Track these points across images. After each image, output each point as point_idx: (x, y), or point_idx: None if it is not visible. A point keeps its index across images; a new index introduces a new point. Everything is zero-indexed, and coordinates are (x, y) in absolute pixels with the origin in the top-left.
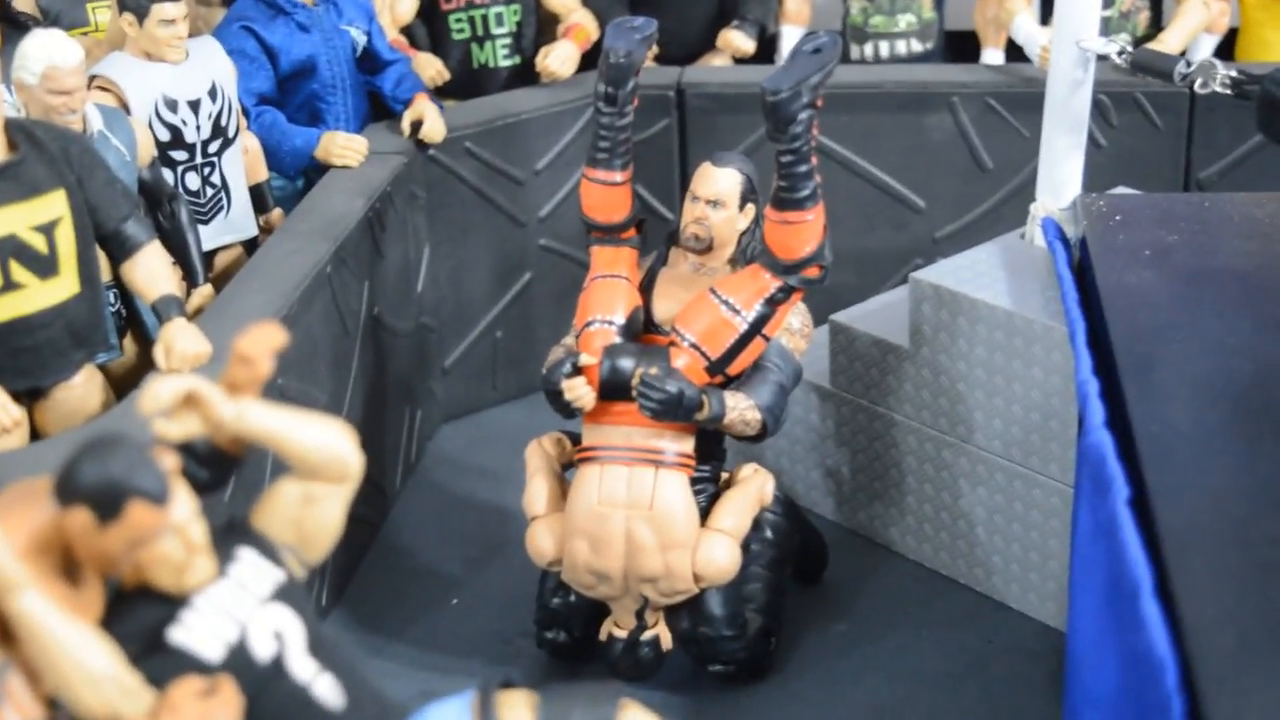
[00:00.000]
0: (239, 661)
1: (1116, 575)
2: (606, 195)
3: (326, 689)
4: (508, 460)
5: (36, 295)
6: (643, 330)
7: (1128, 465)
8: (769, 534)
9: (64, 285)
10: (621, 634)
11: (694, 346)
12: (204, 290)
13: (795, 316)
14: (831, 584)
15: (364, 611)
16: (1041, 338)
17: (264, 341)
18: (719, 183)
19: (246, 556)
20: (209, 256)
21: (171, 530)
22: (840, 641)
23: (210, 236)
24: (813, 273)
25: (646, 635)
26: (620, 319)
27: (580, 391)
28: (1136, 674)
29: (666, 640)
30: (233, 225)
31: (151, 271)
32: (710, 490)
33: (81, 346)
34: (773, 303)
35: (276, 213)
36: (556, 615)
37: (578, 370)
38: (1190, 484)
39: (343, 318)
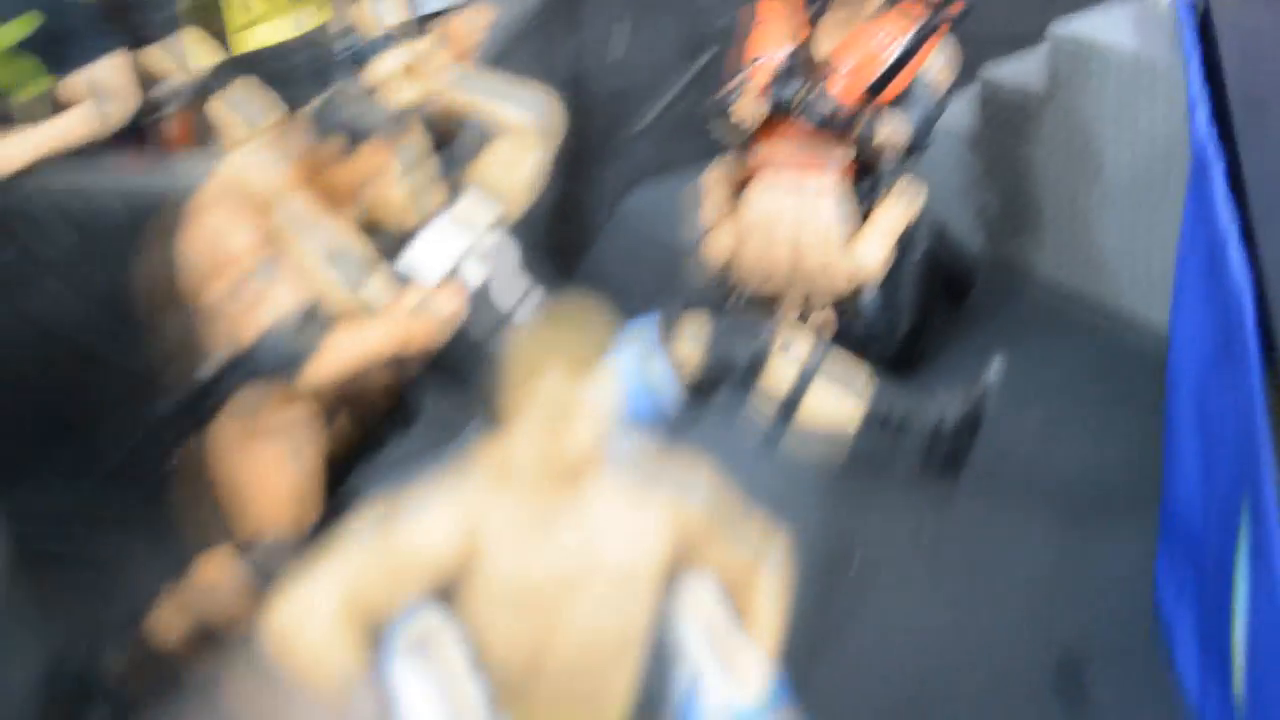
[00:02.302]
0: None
1: (1211, 256)
2: None
3: (527, 309)
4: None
5: None
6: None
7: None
8: (921, 252)
9: None
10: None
11: (851, 73)
12: None
13: (941, 53)
14: (978, 303)
15: None
16: (1164, 79)
17: (473, 21)
18: None
19: (464, 200)
20: None
21: (400, 169)
22: (978, 351)
23: None
24: (957, 8)
25: (808, 328)
26: (784, 53)
27: (747, 111)
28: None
29: (826, 332)
30: None
31: None
32: (866, 205)
33: None
34: (921, 37)
35: None
36: None
37: (741, 97)
38: None
39: (547, 67)
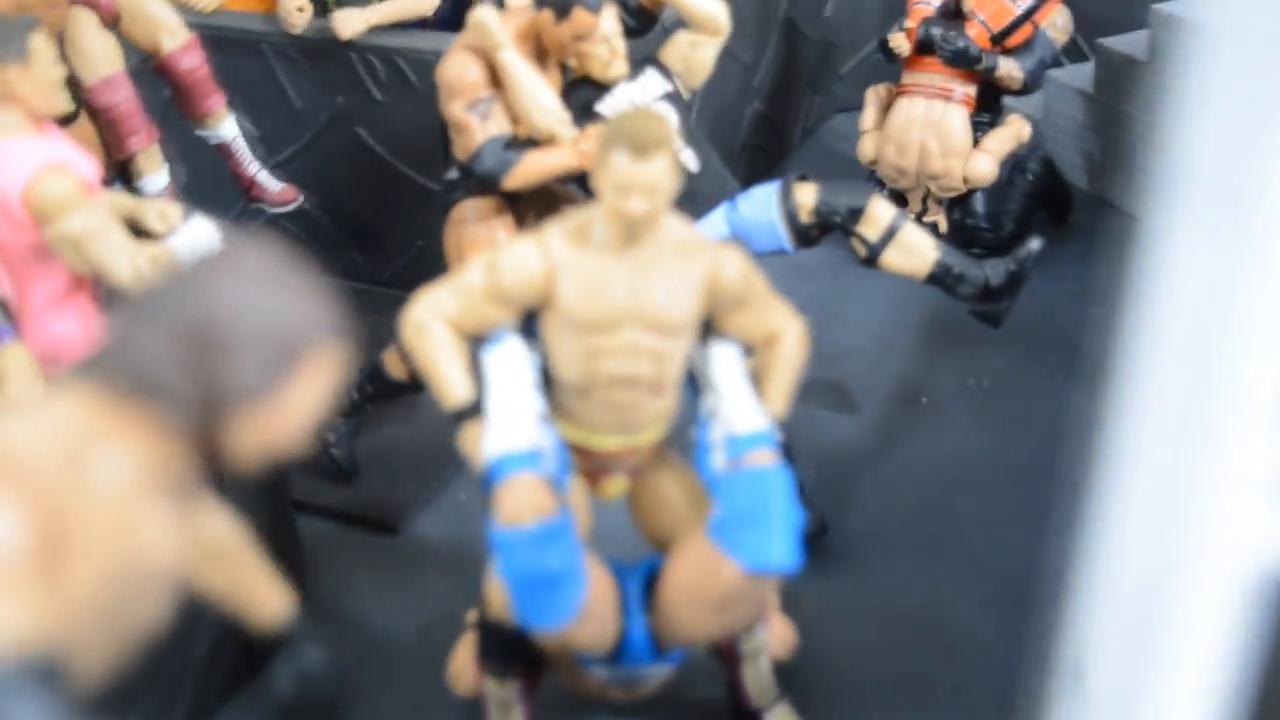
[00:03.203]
0: None
1: None
2: None
3: (689, 158)
4: None
5: None
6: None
7: None
8: (1029, 173)
9: None
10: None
11: (982, 23)
12: None
13: (1060, 15)
14: (1073, 226)
15: None
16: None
17: None
18: None
19: (650, 72)
20: None
21: (601, 35)
22: (1066, 261)
23: None
24: None
25: (928, 219)
26: (939, 2)
27: (900, 42)
28: None
29: (943, 226)
30: None
31: None
32: (983, 130)
33: None
34: None
35: None
36: None
37: (903, 31)
38: None
39: (763, 11)
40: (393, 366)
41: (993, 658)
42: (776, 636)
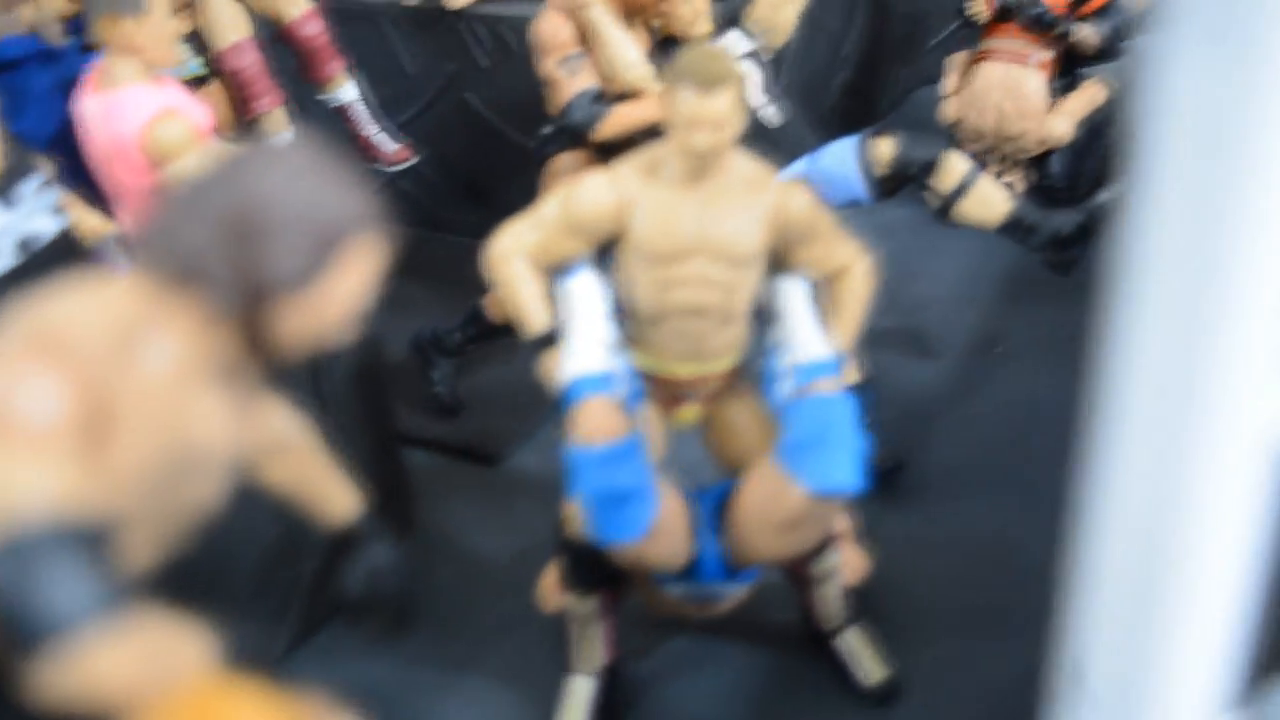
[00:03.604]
0: None
1: None
2: None
3: (771, 114)
4: None
5: None
6: None
7: None
8: (1106, 137)
9: None
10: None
11: None
12: None
13: None
14: None
15: None
16: None
17: None
18: None
19: (733, 33)
20: None
21: None
22: None
23: None
24: None
25: (1006, 181)
26: None
27: (979, 9)
28: None
29: (1020, 187)
30: None
31: None
32: (1060, 95)
33: None
34: None
35: None
36: None
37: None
38: None
39: None
40: (493, 310)
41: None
42: (850, 564)
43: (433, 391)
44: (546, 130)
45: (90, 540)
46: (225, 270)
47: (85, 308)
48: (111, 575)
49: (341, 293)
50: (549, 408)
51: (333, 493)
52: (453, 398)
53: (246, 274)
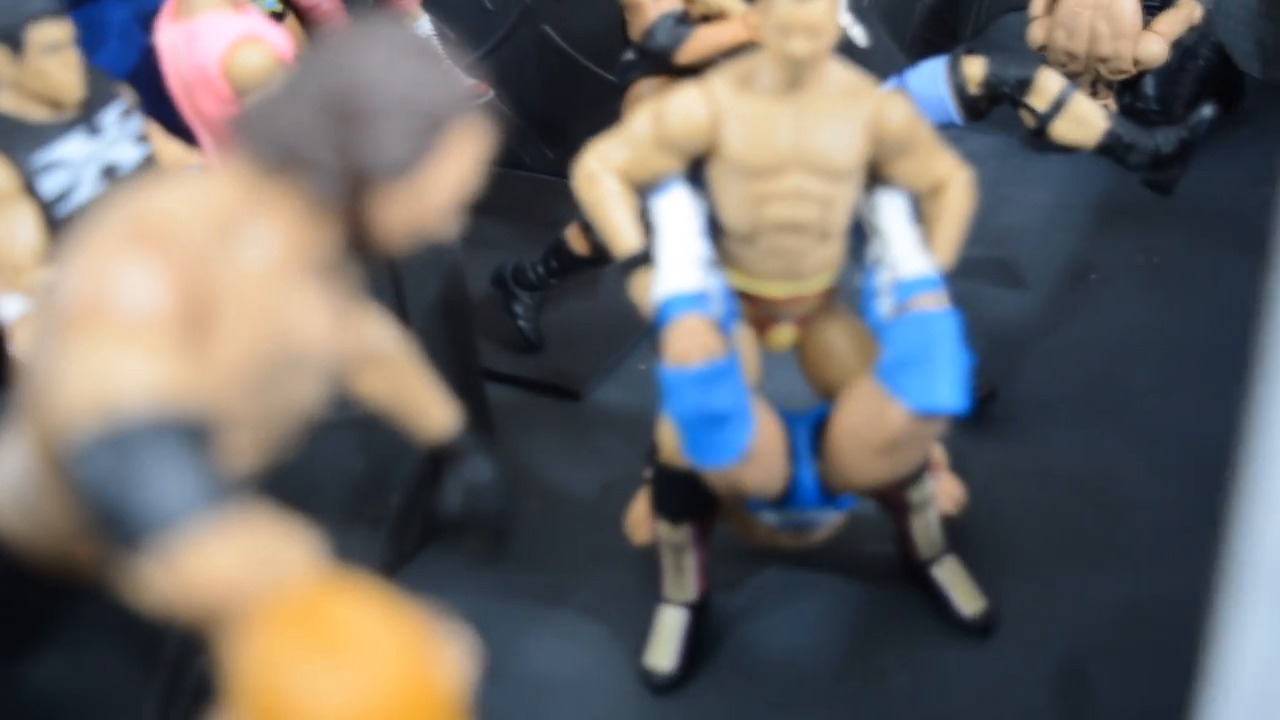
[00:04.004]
0: None
1: None
2: None
3: (859, 34)
4: None
5: None
6: None
7: None
8: (1200, 58)
9: None
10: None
11: None
12: None
13: None
14: (1246, 112)
15: None
16: None
17: None
18: None
19: None
20: None
21: None
22: (1238, 144)
23: None
24: None
25: (1098, 102)
26: None
27: None
28: None
29: (1113, 109)
30: None
31: None
32: (1155, 14)
33: None
34: None
35: None
36: None
37: None
38: None
39: None
40: (574, 241)
41: (1160, 519)
42: (946, 493)
43: (515, 326)
44: (629, 56)
45: (195, 433)
46: (327, 155)
47: (184, 198)
48: (217, 470)
49: (445, 181)
50: (631, 342)
51: (430, 407)
52: (535, 333)
53: (349, 159)
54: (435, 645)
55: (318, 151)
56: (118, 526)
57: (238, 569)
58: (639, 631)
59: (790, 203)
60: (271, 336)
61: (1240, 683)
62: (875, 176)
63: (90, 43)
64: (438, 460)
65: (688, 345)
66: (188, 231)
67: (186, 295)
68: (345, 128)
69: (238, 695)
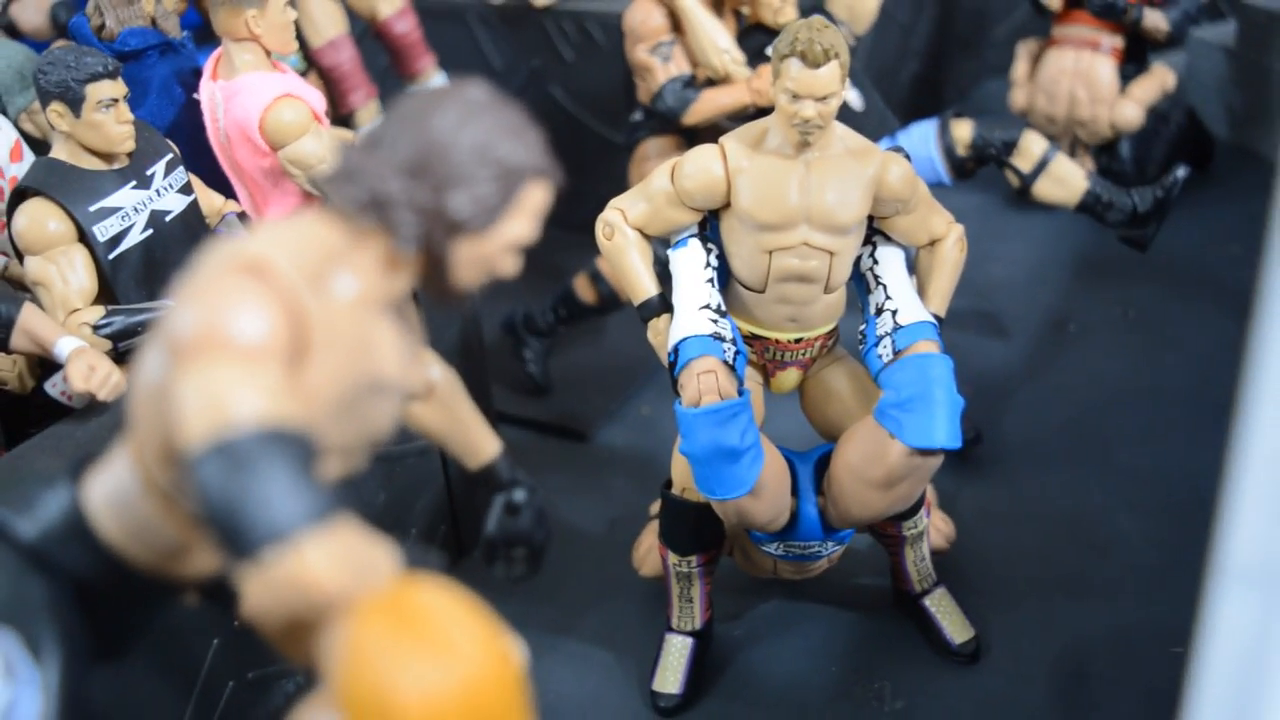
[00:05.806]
0: None
1: None
2: None
3: (854, 98)
4: None
5: None
6: None
7: None
8: (1172, 123)
9: None
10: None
11: None
12: None
13: None
14: (1218, 174)
15: None
16: None
17: None
18: None
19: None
20: None
21: None
22: (1206, 203)
23: None
24: None
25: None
26: None
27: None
28: None
29: (1090, 167)
30: None
31: None
32: (1129, 81)
33: None
34: None
35: None
36: None
37: None
38: None
39: None
40: (582, 291)
41: (1142, 557)
42: (937, 528)
43: (525, 371)
44: (636, 116)
45: (303, 448)
46: (412, 211)
47: (284, 240)
48: (323, 482)
49: (515, 230)
50: (635, 387)
51: (477, 436)
52: (544, 377)
53: (432, 214)
54: (506, 637)
55: (403, 210)
56: (234, 533)
57: (342, 571)
58: (645, 658)
59: (798, 254)
60: (357, 365)
61: (1217, 705)
62: (874, 230)
63: (132, 98)
64: (482, 485)
65: (703, 386)
66: (289, 269)
67: (290, 326)
68: (429, 188)
69: (339, 684)
